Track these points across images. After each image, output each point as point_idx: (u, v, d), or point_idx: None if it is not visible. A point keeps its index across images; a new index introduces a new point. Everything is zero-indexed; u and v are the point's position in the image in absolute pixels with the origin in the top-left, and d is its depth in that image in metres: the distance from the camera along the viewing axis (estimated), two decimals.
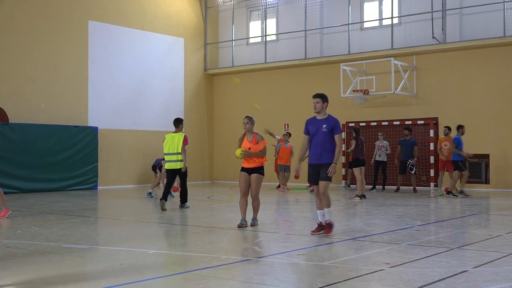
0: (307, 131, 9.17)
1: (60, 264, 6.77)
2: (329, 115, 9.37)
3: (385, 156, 18.46)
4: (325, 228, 8.75)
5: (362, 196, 15.32)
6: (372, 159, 18.58)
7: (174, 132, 13.13)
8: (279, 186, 19.38)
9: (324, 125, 9.01)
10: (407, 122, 19.21)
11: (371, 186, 18.57)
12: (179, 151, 12.68)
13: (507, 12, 18.33)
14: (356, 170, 15.59)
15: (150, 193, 16.43)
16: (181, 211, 12.76)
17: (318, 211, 8.90)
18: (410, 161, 17.77)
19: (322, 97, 9.40)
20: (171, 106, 23.28)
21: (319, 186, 8.82)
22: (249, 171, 9.71)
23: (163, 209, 12.38)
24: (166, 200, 12.61)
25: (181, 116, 23.60)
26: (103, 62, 20.92)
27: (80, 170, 19.61)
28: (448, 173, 16.69)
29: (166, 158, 12.85)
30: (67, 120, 19.63)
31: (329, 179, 8.72)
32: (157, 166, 17.17)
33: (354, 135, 16.16)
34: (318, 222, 8.90)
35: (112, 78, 21.18)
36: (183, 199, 13.08)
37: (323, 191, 8.73)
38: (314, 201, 9.20)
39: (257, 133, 9.90)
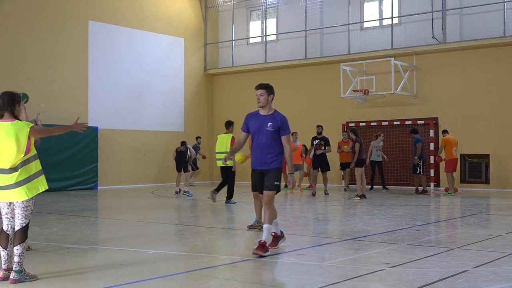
0: (246, 128, 7.82)
1: (60, 264, 6.76)
2: (275, 111, 7.88)
3: (381, 156, 18.36)
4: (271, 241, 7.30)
5: (362, 196, 15.32)
6: (368, 159, 18.12)
7: (224, 133, 14.05)
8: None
9: (269, 123, 7.54)
10: (407, 122, 19.21)
11: (369, 187, 18.52)
12: (228, 150, 13.32)
13: (507, 12, 18.32)
14: (358, 171, 15.57)
15: (187, 191, 17.15)
16: (182, 211, 12.76)
17: (264, 226, 7.22)
18: (416, 159, 17.20)
19: (267, 88, 7.95)
20: (171, 106, 23.29)
21: (264, 195, 7.31)
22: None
23: (214, 201, 13.81)
24: (217, 192, 13.96)
25: (181, 116, 23.65)
26: (103, 62, 20.92)
27: (80, 170, 19.62)
28: (448, 173, 16.86)
29: (217, 156, 13.93)
30: (67, 120, 19.40)
31: (276, 188, 7.28)
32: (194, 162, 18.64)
33: (354, 136, 16.02)
34: (262, 241, 7.07)
35: (112, 78, 21.17)
36: (229, 195, 14.02)
37: (268, 201, 7.22)
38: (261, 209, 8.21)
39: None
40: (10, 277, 5.72)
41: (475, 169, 18.69)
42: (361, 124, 20.39)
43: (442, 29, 19.46)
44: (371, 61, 19.99)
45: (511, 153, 18.24)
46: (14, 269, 5.72)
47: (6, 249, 5.84)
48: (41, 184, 5.91)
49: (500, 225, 10.38)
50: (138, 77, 22.08)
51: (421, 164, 17.11)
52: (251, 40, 24.59)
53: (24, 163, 5.74)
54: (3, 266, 5.90)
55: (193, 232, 9.57)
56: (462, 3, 19.19)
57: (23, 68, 18.73)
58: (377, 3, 21.46)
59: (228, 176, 13.90)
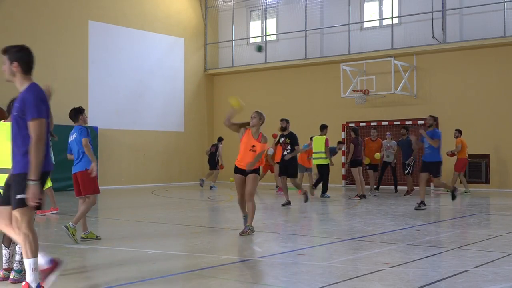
0: None
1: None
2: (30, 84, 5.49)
3: (392, 156, 17.67)
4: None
5: (362, 196, 15.31)
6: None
7: (319, 136, 15.79)
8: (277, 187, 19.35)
9: (16, 104, 5.45)
10: (407, 122, 19.22)
11: (375, 186, 18.04)
12: (322, 150, 15.44)
13: (507, 12, 18.33)
14: (355, 170, 15.56)
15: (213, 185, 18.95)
16: (182, 211, 12.76)
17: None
18: (411, 159, 16.67)
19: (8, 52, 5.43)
20: (171, 106, 23.29)
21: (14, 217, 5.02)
22: (246, 172, 8.94)
23: (311, 195, 15.39)
24: (315, 187, 16.04)
25: (181, 116, 23.65)
26: (103, 62, 20.93)
27: None
28: (457, 173, 16.96)
29: (314, 155, 15.86)
30: (67, 120, 19.57)
31: (32, 207, 4.93)
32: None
33: (353, 135, 16.02)
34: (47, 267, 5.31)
35: (112, 78, 21.18)
36: (324, 189, 15.80)
37: (20, 227, 5.00)
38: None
39: (262, 133, 9.20)
40: (10, 276, 5.72)
41: (475, 169, 18.68)
42: (361, 124, 20.38)
43: (442, 29, 19.46)
44: (371, 61, 19.99)
45: (511, 153, 18.24)
46: (14, 268, 5.74)
47: (8, 248, 5.86)
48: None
49: (500, 225, 10.38)
50: (138, 77, 22.08)
51: (412, 164, 16.53)
52: (251, 40, 24.59)
53: None
54: (4, 266, 5.92)
55: (193, 232, 9.57)
56: (462, 3, 19.20)
57: None
58: (377, 3, 21.47)
59: (323, 173, 15.78)
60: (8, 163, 5.55)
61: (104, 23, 21.03)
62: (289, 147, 13.55)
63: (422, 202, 12.43)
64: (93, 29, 20.67)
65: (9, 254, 5.86)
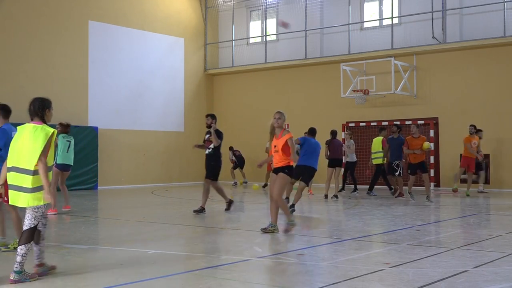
0: None
1: (60, 264, 6.76)
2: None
3: (353, 156, 17.38)
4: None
5: (326, 196, 15.61)
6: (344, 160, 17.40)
7: (378, 137, 16.70)
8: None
9: None
10: (407, 122, 19.20)
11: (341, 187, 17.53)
12: (380, 149, 16.27)
13: (507, 12, 18.32)
14: (329, 171, 15.79)
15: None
16: (181, 211, 12.76)
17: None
18: (397, 162, 15.63)
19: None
20: (171, 106, 23.29)
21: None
22: (275, 170, 8.93)
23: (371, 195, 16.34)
24: (371, 191, 16.64)
25: (181, 116, 23.64)
26: (103, 62, 20.92)
27: (80, 170, 19.58)
28: (469, 173, 16.81)
29: (373, 156, 16.50)
30: (67, 120, 19.54)
31: None
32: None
33: (330, 137, 16.01)
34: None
35: (112, 78, 21.18)
36: (370, 187, 16.69)
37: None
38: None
39: (284, 129, 9.12)
40: (10, 277, 5.74)
41: (475, 169, 18.65)
42: (361, 124, 20.38)
43: (442, 29, 19.46)
44: (371, 61, 19.99)
45: (511, 153, 18.24)
46: (14, 269, 5.77)
47: (38, 245, 6.04)
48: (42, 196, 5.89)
49: (500, 225, 10.39)
50: (138, 77, 22.08)
51: (401, 165, 15.82)
52: (251, 40, 24.59)
53: (37, 172, 5.81)
54: (35, 262, 6.07)
55: (193, 232, 9.57)
56: (462, 3, 19.20)
57: (23, 68, 18.73)
58: (377, 3, 21.46)
59: (378, 172, 16.47)
60: (28, 164, 5.78)
61: (104, 23, 21.03)
62: (212, 146, 12.05)
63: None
64: (93, 29, 20.67)
65: (39, 250, 6.07)
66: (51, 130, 5.89)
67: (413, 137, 14.88)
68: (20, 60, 18.69)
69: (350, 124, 20.55)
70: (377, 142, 16.49)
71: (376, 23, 21.45)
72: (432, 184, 18.05)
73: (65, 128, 12.58)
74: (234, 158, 21.86)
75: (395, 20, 20.56)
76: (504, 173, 18.34)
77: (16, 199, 5.87)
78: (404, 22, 20.49)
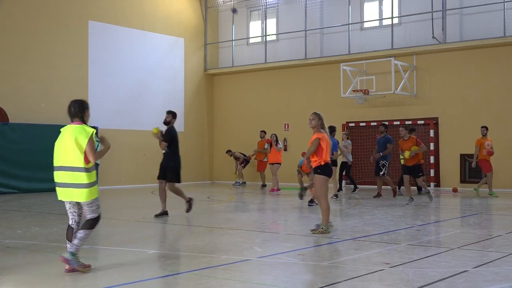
0: None
1: (60, 264, 6.76)
2: None
3: (349, 157, 17.05)
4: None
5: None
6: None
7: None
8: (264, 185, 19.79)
9: None
10: (407, 122, 19.21)
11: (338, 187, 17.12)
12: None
13: (507, 12, 18.32)
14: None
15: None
16: (181, 211, 12.75)
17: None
18: (382, 162, 15.38)
19: None
20: (171, 106, 23.02)
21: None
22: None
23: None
24: (399, 189, 16.32)
25: (181, 116, 23.60)
26: (103, 62, 20.92)
27: None
28: (486, 173, 16.32)
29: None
30: (67, 120, 19.51)
31: None
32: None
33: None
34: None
35: (112, 78, 21.17)
36: (419, 188, 16.26)
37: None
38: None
39: (318, 129, 9.03)
40: (63, 255, 6.14)
41: (475, 169, 18.65)
42: (361, 124, 20.38)
43: (442, 29, 19.46)
44: (371, 61, 19.99)
45: (511, 153, 18.24)
46: (69, 249, 6.16)
47: (71, 242, 6.34)
48: (96, 191, 6.36)
49: (500, 225, 10.39)
50: (138, 77, 22.07)
51: (387, 165, 15.56)
52: (251, 40, 24.59)
53: (91, 168, 6.28)
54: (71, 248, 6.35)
55: (193, 232, 9.57)
56: (462, 3, 19.19)
57: (23, 68, 18.73)
58: (377, 3, 21.46)
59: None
60: (72, 162, 6.19)
61: (104, 23, 21.03)
62: (167, 146, 11.46)
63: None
64: (93, 29, 20.66)
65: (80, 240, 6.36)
66: (91, 129, 6.36)
67: (403, 140, 14.36)
68: (20, 60, 18.69)
69: (350, 124, 20.56)
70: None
71: (376, 23, 21.45)
72: (432, 184, 18.06)
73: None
74: (244, 157, 21.96)
75: (395, 20, 20.56)
76: (504, 173, 18.32)
77: (70, 195, 6.30)
78: (404, 22, 20.49)
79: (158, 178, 11.66)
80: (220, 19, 25.28)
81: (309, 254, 7.34)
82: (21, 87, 18.58)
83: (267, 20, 23.91)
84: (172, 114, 11.74)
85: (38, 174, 18.30)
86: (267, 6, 23.82)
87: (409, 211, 12.33)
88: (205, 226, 10.30)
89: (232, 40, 24.61)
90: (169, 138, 11.50)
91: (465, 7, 19.02)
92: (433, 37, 19.54)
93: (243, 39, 24.53)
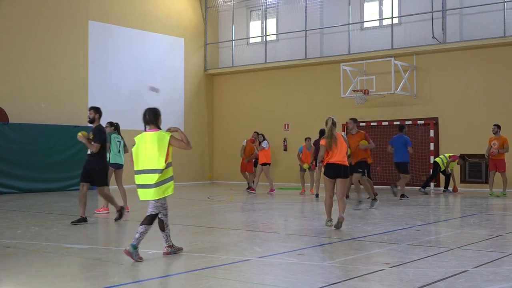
0: None
1: (60, 264, 6.77)
2: None
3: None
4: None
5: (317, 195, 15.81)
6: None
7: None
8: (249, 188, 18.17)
9: None
10: (407, 122, 19.22)
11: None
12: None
13: (507, 12, 18.33)
14: (318, 171, 15.19)
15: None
16: (181, 211, 12.76)
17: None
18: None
19: None
20: (171, 106, 23.27)
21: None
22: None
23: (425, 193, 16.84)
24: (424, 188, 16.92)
25: (181, 116, 23.63)
26: (103, 62, 20.92)
27: (80, 170, 19.32)
28: (500, 173, 16.20)
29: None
30: (67, 120, 19.64)
31: None
32: None
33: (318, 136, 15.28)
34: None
35: (112, 78, 21.17)
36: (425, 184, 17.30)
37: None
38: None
39: (342, 133, 10.00)
40: (126, 248, 6.83)
41: (475, 169, 18.68)
42: (361, 124, 20.34)
43: (442, 29, 19.46)
44: (371, 61, 19.99)
45: (511, 153, 18.22)
46: (131, 243, 6.86)
47: (163, 232, 7.21)
48: (170, 188, 7.11)
49: (500, 225, 10.39)
50: (138, 77, 22.07)
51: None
52: (251, 40, 24.59)
53: (165, 168, 6.99)
54: (165, 244, 7.20)
55: (193, 232, 9.57)
56: (462, 3, 19.19)
57: (23, 68, 18.73)
58: (377, 3, 21.46)
59: (436, 171, 17.24)
60: (156, 164, 6.95)
61: (104, 23, 21.03)
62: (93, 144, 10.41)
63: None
64: (93, 29, 20.67)
65: (166, 235, 7.20)
66: (168, 134, 7.12)
67: (351, 134, 12.92)
68: (20, 60, 18.69)
69: None
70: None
71: (376, 23, 21.45)
72: (432, 184, 18.06)
73: (114, 128, 12.73)
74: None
75: (395, 20, 20.56)
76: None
77: (146, 194, 7.11)
78: (404, 22, 20.49)
79: (82, 181, 10.58)
80: (220, 19, 25.28)
81: (309, 254, 7.34)
82: (21, 87, 18.59)
83: (267, 20, 23.91)
84: (95, 110, 10.56)
85: (38, 174, 18.32)
86: (267, 6, 23.83)
87: (409, 211, 12.32)
88: (205, 226, 10.30)
89: (232, 40, 24.61)
90: (103, 138, 10.54)
91: (465, 7, 19.02)
92: (433, 37, 19.54)
93: (243, 39, 24.53)
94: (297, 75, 22.61)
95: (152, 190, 7.04)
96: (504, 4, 18.28)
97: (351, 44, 21.24)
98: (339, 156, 9.35)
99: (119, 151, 12.55)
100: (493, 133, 16.20)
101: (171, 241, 7.28)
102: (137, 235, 6.94)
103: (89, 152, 10.54)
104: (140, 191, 7.20)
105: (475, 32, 18.86)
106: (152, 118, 7.37)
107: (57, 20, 19.71)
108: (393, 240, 8.28)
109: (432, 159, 18.49)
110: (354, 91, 19.81)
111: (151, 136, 7.16)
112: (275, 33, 23.79)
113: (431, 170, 18.06)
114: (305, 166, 16.87)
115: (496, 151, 15.91)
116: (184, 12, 24.06)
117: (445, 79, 19.42)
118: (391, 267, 6.38)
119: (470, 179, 18.65)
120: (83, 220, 10.33)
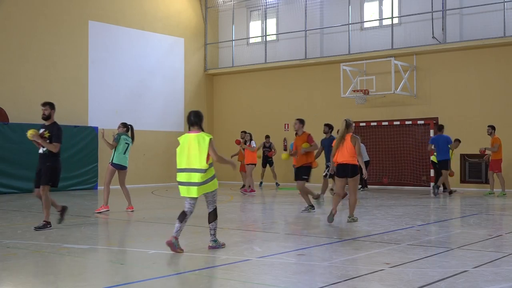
0: None
1: (60, 264, 6.76)
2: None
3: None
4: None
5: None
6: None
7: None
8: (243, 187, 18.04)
9: None
10: (407, 122, 19.22)
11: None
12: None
13: (507, 12, 18.33)
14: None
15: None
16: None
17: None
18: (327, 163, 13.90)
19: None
20: (171, 106, 23.29)
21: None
22: None
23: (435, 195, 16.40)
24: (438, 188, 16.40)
25: (181, 116, 23.62)
26: (103, 62, 20.92)
27: (80, 170, 19.60)
28: (496, 173, 16.31)
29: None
30: (67, 120, 19.62)
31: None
32: None
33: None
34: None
35: (112, 78, 21.17)
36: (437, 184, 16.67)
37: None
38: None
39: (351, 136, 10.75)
40: (209, 244, 7.64)
41: (475, 169, 18.68)
42: (361, 124, 20.37)
43: (442, 29, 19.46)
44: (371, 61, 19.99)
45: (511, 153, 18.23)
46: (211, 238, 7.65)
47: (181, 223, 7.55)
48: (214, 185, 7.72)
49: (500, 225, 10.39)
50: (138, 77, 22.07)
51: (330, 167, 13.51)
52: (251, 40, 24.59)
53: (208, 168, 7.47)
54: (174, 234, 7.36)
55: (193, 232, 9.57)
56: (462, 3, 19.19)
57: (23, 68, 18.73)
58: (377, 3, 21.46)
59: (439, 168, 16.74)
60: (199, 164, 7.40)
61: (104, 23, 21.03)
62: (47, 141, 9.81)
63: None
64: (93, 29, 20.66)
65: (180, 227, 7.51)
66: (209, 135, 7.57)
67: (297, 135, 12.31)
68: (20, 60, 18.68)
69: None
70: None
71: (376, 23, 21.45)
72: (431, 184, 18.03)
73: (127, 129, 12.81)
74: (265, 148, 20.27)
75: (395, 20, 20.56)
76: (504, 173, 18.30)
77: (189, 192, 7.56)
78: (404, 22, 20.49)
79: (36, 186, 9.89)
80: (220, 19, 25.28)
81: (309, 254, 7.34)
82: (21, 87, 18.58)
83: (267, 20, 23.91)
84: (49, 106, 9.91)
85: None
86: (267, 6, 23.83)
87: (409, 211, 12.33)
88: (205, 226, 10.28)
89: (232, 40, 24.61)
90: (61, 136, 9.95)
91: (465, 7, 19.02)
92: (433, 37, 19.54)
93: (243, 39, 24.53)
94: (297, 75, 22.61)
95: (195, 188, 7.49)
96: (504, 4, 18.28)
97: (351, 44, 21.24)
98: (345, 156, 10.20)
99: (125, 152, 12.57)
100: (488, 134, 16.37)
101: (179, 234, 7.55)
102: (212, 232, 7.77)
103: (41, 151, 9.72)
104: (182, 188, 7.61)
105: (475, 32, 18.86)
106: (196, 120, 7.75)
107: (57, 20, 19.70)
108: (393, 240, 8.28)
109: (431, 158, 18.49)
110: (354, 91, 19.81)
111: (193, 137, 7.60)
112: (275, 33, 23.79)
113: (432, 170, 18.06)
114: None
115: (484, 148, 16.27)
116: (184, 12, 24.06)
117: (445, 79, 19.42)
118: (391, 267, 6.38)
119: (470, 179, 18.64)
120: (48, 224, 9.56)
